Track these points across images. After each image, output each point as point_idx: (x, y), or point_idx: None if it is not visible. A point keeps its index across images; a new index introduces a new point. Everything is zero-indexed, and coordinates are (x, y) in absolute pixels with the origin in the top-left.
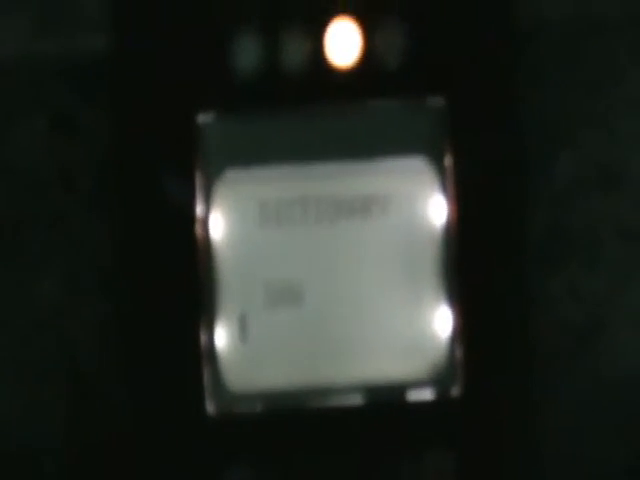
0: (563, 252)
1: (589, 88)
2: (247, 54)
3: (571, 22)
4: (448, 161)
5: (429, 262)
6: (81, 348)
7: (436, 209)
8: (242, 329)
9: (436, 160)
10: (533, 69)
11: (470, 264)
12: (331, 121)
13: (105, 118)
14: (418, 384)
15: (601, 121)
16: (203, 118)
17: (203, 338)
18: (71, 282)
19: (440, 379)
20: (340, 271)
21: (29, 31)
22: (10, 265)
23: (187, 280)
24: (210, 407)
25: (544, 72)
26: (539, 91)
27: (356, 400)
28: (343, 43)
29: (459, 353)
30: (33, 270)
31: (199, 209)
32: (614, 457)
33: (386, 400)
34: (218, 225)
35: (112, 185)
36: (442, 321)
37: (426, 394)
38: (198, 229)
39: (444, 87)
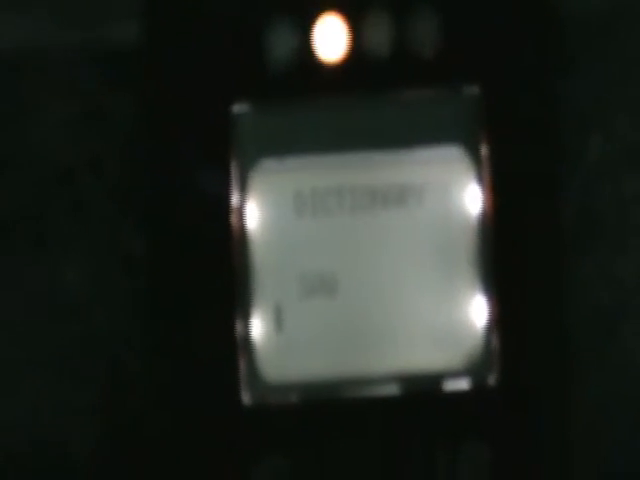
0: (595, 237)
1: (621, 75)
2: (283, 45)
3: (605, 11)
4: (484, 150)
5: (465, 251)
6: (112, 339)
7: (472, 198)
8: (277, 319)
9: (472, 149)
10: (567, 55)
11: (505, 253)
12: (366, 111)
13: (138, 106)
14: (454, 374)
15: (632, 107)
16: (238, 108)
17: (238, 328)
18: (100, 271)
19: (476, 368)
20: (375, 261)
21: (59, 20)
22: (35, 252)
23: (222, 270)
24: (246, 397)
25: (578, 58)
26: (572, 77)
27: (392, 390)
28: (375, 31)
29: (495, 342)
30: (59, 258)
31: (234, 199)
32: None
33: (422, 390)
34: (253, 215)
35: (146, 175)
36: (478, 310)
37: (462, 384)
38: (233, 219)
39: (479, 75)
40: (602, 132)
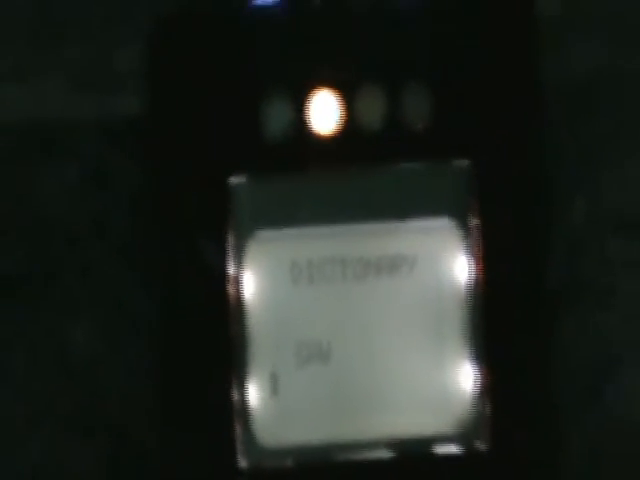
0: (580, 298)
1: (606, 139)
2: (279, 119)
3: (593, 73)
4: (473, 221)
5: (455, 320)
6: (114, 399)
7: (461, 268)
8: (273, 386)
9: (461, 220)
10: (556, 120)
11: (494, 321)
12: (360, 183)
13: (139, 176)
14: (445, 438)
15: (617, 174)
16: (235, 180)
17: (235, 395)
18: (104, 331)
19: (466, 434)
20: (368, 329)
21: (67, 92)
22: (38, 317)
23: (220, 338)
24: (242, 461)
25: (567, 122)
26: (562, 147)
27: (383, 454)
28: (370, 106)
29: (484, 408)
30: (65, 318)
31: (231, 268)
32: None
33: (413, 454)
34: (250, 284)
35: (145, 242)
36: (468, 377)
37: (452, 448)
38: (230, 288)
39: (468, 149)
40: (586, 196)
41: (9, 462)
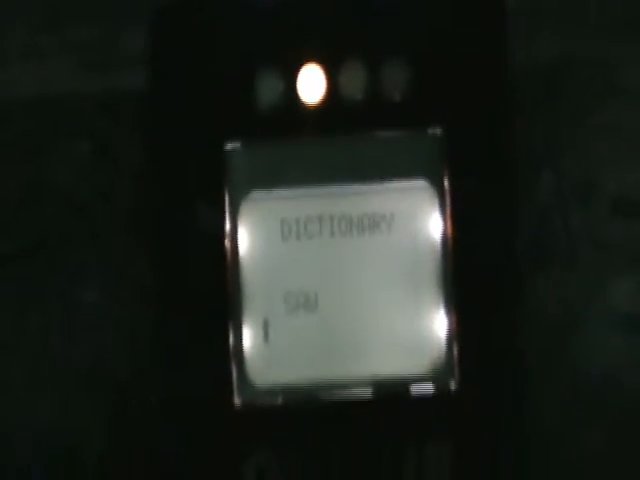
0: (546, 260)
1: (568, 118)
2: (270, 92)
3: (554, 63)
4: (446, 183)
5: (429, 272)
6: (119, 352)
7: (435, 226)
8: (265, 332)
9: (435, 182)
10: (521, 101)
11: (465, 273)
12: (343, 148)
13: (141, 145)
14: (420, 379)
15: (578, 146)
16: (231, 146)
17: (231, 340)
18: (108, 292)
19: (439, 375)
20: (351, 280)
21: (76, 69)
22: (51, 276)
23: (217, 289)
24: (237, 400)
25: (531, 104)
26: (526, 121)
27: (365, 393)
28: (353, 79)
29: (456, 352)
30: (75, 283)
31: (227, 226)
32: (587, 436)
33: (392, 393)
34: (244, 240)
35: (149, 206)
36: (441, 324)
37: (427, 388)
38: (226, 244)
39: (442, 119)
40: (552, 170)
41: (25, 416)
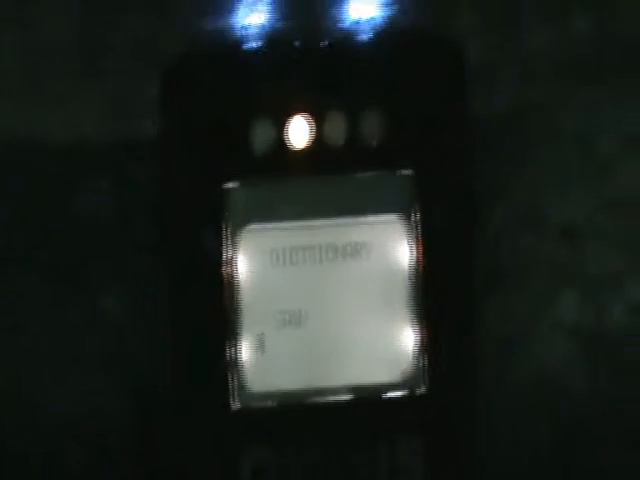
0: (500, 281)
1: (521, 158)
2: (264, 138)
3: (511, 111)
4: (415, 217)
5: (401, 292)
6: (139, 359)
7: (406, 253)
8: (260, 345)
9: (406, 216)
10: (480, 142)
11: (431, 294)
12: (327, 187)
13: (154, 183)
14: (393, 386)
15: (527, 183)
16: (230, 185)
17: (230, 352)
18: (129, 306)
19: (409, 382)
20: (333, 300)
21: (101, 116)
22: (78, 291)
23: (217, 308)
24: (234, 404)
25: (488, 144)
26: (484, 159)
27: (345, 397)
28: (336, 128)
29: (424, 362)
30: (98, 295)
31: (226, 254)
32: (537, 434)
33: (369, 398)
34: (241, 266)
35: (160, 235)
36: (411, 338)
37: (399, 393)
38: (226, 269)
39: (412, 162)
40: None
41: (54, 398)
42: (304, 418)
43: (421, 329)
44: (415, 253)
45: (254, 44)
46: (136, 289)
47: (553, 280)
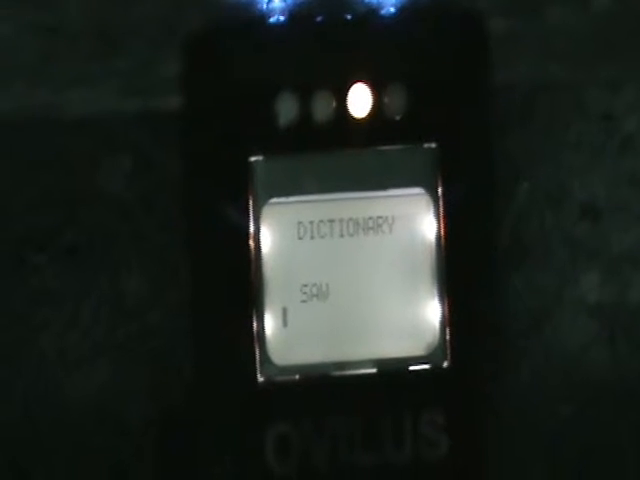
0: (523, 258)
1: (543, 134)
2: (288, 112)
3: (531, 82)
4: (440, 192)
5: (425, 266)
6: (161, 334)
7: (430, 227)
8: (284, 318)
9: (430, 190)
10: (503, 120)
11: (456, 268)
12: (352, 161)
13: (179, 158)
14: (417, 359)
15: (550, 159)
16: (255, 159)
17: (255, 325)
18: (151, 283)
19: (434, 355)
20: (358, 274)
21: (122, 93)
22: (100, 270)
23: (243, 282)
24: (260, 377)
25: (511, 122)
26: (507, 137)
27: (370, 371)
28: (360, 101)
29: (448, 336)
30: (120, 273)
31: (251, 228)
32: (558, 409)
33: (393, 371)
34: (265, 240)
35: (185, 211)
36: (435, 311)
37: (423, 367)
38: (250, 243)
39: (436, 135)
40: (529, 179)
41: (79, 381)
42: (328, 391)
43: (445, 303)
44: (439, 227)
45: (278, 17)
46: (159, 267)
47: (576, 257)
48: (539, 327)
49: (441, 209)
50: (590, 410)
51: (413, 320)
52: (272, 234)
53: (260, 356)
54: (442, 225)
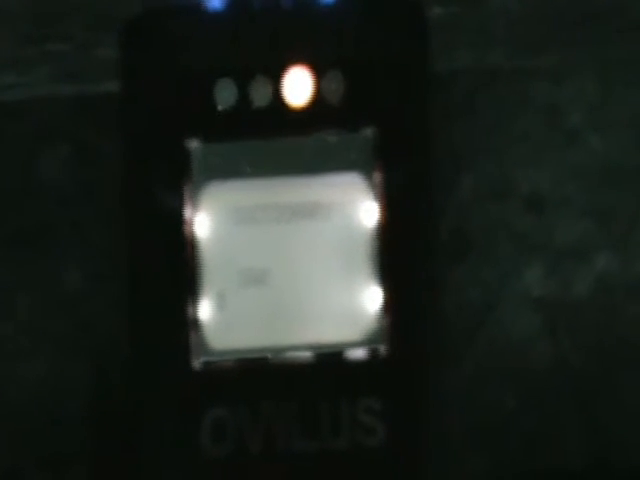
0: (465, 249)
1: (485, 126)
2: (227, 96)
3: (475, 73)
4: (377, 176)
5: (363, 253)
6: (98, 324)
7: (368, 213)
8: (220, 303)
9: (368, 176)
10: (444, 109)
11: (394, 255)
12: (290, 146)
13: (116, 144)
14: (354, 345)
15: (494, 151)
16: (192, 143)
17: (191, 310)
18: (89, 272)
19: (371, 341)
20: (295, 260)
21: (57, 76)
22: (40, 260)
23: (179, 267)
24: (196, 362)
25: (454, 114)
26: (448, 126)
27: (307, 356)
28: (299, 87)
29: (386, 322)
30: (59, 263)
31: (188, 213)
32: (501, 402)
33: (330, 357)
34: (202, 225)
35: (122, 197)
36: (373, 297)
37: (360, 353)
38: (187, 228)
39: (374, 121)
40: (472, 171)
41: (17, 375)
42: (265, 377)
43: (383, 289)
44: (376, 213)
45: (217, 1)
46: (99, 257)
47: (520, 251)
48: (483, 320)
49: (378, 195)
50: (533, 402)
51: (351, 306)
52: (210, 219)
53: (197, 341)
54: (379, 211)
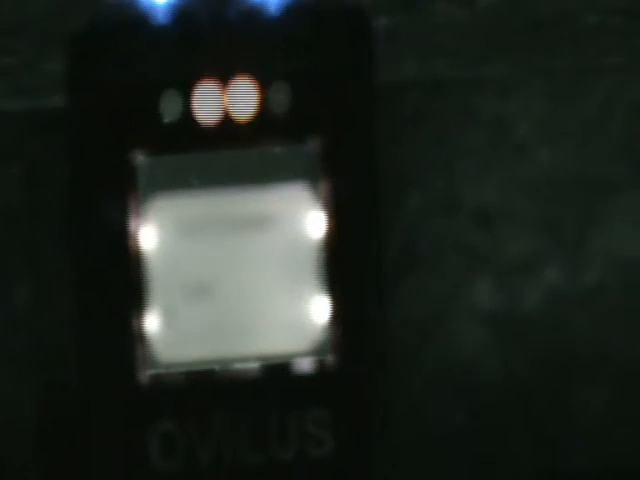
0: (413, 263)
1: (434, 139)
2: (172, 110)
3: (421, 84)
4: (323, 187)
5: (310, 264)
6: (47, 342)
7: (314, 224)
8: (167, 316)
9: (314, 187)
10: (391, 123)
11: (340, 266)
12: (236, 157)
13: (63, 159)
14: (302, 356)
15: (442, 165)
16: (138, 157)
17: (137, 323)
18: (39, 290)
19: (319, 352)
20: (242, 271)
21: (6, 92)
22: None
23: (126, 280)
24: (143, 375)
25: (401, 127)
26: (395, 138)
27: (254, 368)
28: (244, 99)
29: (333, 334)
30: (10, 281)
31: (134, 226)
32: (450, 417)
33: (277, 368)
34: (149, 238)
35: (70, 211)
36: (320, 308)
37: (308, 364)
38: (133, 241)
39: (320, 132)
40: (419, 187)
41: None
42: (213, 389)
43: (331, 300)
44: (322, 223)
45: (161, 15)
46: (47, 276)
47: (468, 265)
48: (431, 334)
49: (325, 206)
50: (482, 418)
51: (298, 317)
52: (156, 231)
53: (143, 354)
54: (325, 222)
